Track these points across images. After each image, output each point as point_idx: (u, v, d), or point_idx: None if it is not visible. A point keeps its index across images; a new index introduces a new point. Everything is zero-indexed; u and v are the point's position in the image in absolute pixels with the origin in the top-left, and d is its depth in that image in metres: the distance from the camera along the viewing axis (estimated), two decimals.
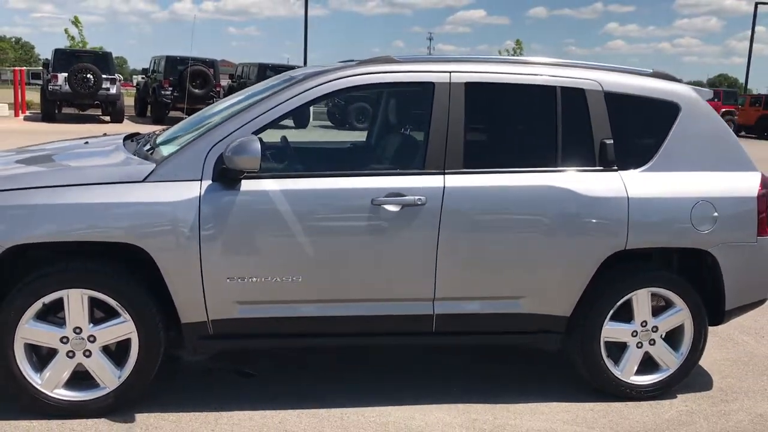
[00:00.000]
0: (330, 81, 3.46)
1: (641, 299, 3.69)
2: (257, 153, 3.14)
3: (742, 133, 28.76)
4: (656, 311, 3.75)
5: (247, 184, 3.26)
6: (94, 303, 3.22)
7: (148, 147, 3.72)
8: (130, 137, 4.23)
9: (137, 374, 3.29)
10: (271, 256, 3.30)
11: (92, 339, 3.23)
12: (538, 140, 3.75)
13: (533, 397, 3.77)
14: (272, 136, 3.80)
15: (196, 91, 20.56)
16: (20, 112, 21.86)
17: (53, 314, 3.23)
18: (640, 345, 3.74)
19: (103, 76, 19.92)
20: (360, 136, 5.48)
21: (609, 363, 3.72)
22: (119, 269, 3.26)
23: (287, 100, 3.42)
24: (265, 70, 22.05)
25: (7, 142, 11.79)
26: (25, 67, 30.73)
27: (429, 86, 3.51)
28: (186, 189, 3.21)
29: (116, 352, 3.31)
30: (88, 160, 3.87)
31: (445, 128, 3.46)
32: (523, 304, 3.56)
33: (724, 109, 27.94)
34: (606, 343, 3.69)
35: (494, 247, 3.47)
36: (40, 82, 24.99)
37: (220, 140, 3.29)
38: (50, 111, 20.47)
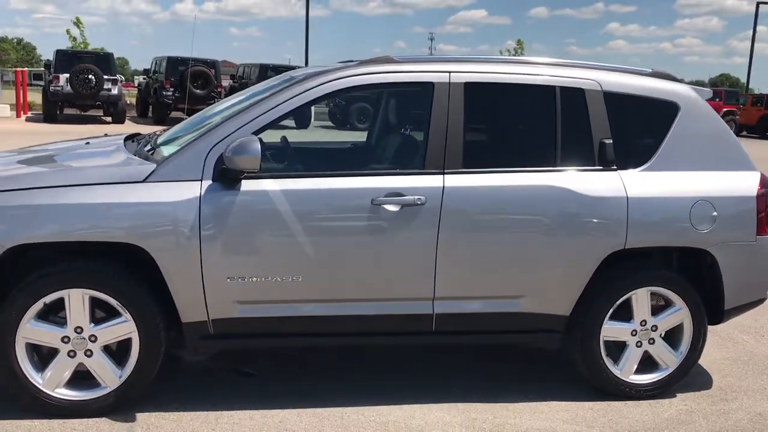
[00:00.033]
0: (330, 81, 3.47)
1: (641, 298, 3.69)
2: (257, 153, 3.15)
3: (744, 133, 28.70)
4: (656, 310, 3.76)
5: (247, 184, 3.27)
6: (95, 303, 3.24)
7: (148, 147, 3.73)
8: (130, 138, 4.25)
9: (138, 374, 3.31)
10: (272, 256, 3.31)
11: (93, 339, 3.24)
12: (537, 140, 3.75)
13: (533, 396, 3.77)
14: (272, 136, 3.81)
15: (198, 91, 20.54)
16: (22, 112, 21.84)
17: (54, 314, 3.24)
18: (639, 344, 3.75)
19: (105, 76, 19.91)
20: (361, 137, 5.49)
21: (608, 362, 3.72)
22: (120, 269, 3.27)
23: (287, 100, 3.43)
24: (266, 71, 22.05)
25: (8, 142, 11.79)
26: (26, 68, 30.75)
27: (428, 86, 3.52)
28: (186, 189, 3.22)
29: (117, 352, 3.33)
30: (89, 161, 3.88)
31: (445, 128, 3.47)
32: (522, 304, 3.56)
33: (725, 109, 27.84)
34: (605, 342, 3.70)
35: (493, 246, 3.48)
36: (41, 82, 24.97)
37: (221, 140, 3.30)
38: (52, 112, 20.45)
